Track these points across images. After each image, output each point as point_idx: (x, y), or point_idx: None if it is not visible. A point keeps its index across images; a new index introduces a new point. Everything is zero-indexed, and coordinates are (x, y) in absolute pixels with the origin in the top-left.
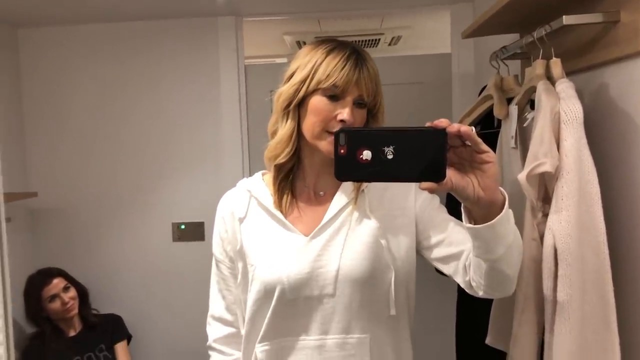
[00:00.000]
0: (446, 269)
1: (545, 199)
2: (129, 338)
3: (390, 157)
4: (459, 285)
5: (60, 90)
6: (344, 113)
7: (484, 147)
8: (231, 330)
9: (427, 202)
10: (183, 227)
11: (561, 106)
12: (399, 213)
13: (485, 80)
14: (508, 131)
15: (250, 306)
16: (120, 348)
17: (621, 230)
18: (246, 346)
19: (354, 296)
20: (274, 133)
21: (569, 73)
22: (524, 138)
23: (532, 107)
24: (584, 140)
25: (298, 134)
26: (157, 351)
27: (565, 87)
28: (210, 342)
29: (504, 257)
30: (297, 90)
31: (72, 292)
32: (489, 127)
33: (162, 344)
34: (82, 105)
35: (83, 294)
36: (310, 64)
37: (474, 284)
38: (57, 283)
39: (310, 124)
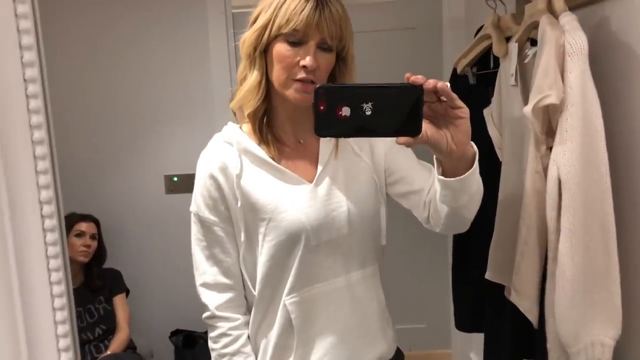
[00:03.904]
0: (405, 203)
1: (549, 132)
2: (127, 292)
3: (368, 113)
4: None
5: (49, 42)
6: (306, 59)
7: (459, 102)
8: (231, 294)
9: (393, 142)
10: (175, 179)
11: (566, 38)
12: (375, 151)
13: (476, 23)
14: (507, 69)
15: (267, 262)
16: (119, 300)
17: (622, 162)
18: (262, 304)
19: (364, 232)
20: (244, 80)
21: (569, 8)
22: (524, 75)
23: (532, 44)
24: (589, 73)
25: (267, 81)
26: (153, 304)
27: (569, 19)
28: (211, 310)
29: (467, 205)
30: (260, 36)
31: (95, 244)
32: (485, 68)
33: (158, 297)
34: (70, 57)
35: (101, 255)
36: (272, 8)
37: (432, 221)
38: (91, 226)
39: (275, 72)
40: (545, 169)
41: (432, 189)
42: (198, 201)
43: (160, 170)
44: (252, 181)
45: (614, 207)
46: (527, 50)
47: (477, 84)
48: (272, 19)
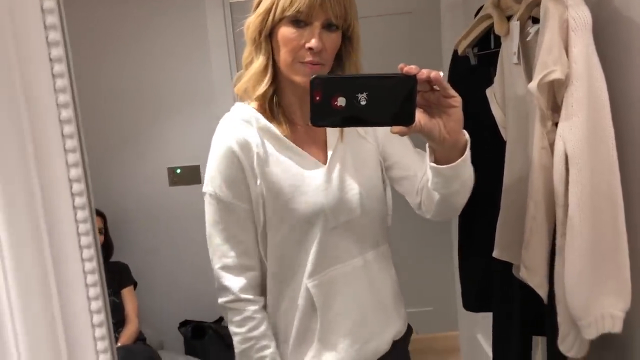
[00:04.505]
0: (398, 188)
1: (554, 108)
2: (135, 285)
3: (363, 103)
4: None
5: None
6: (312, 41)
7: (452, 92)
8: (251, 275)
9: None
10: (179, 171)
11: (569, 13)
12: (377, 133)
13: (474, 5)
14: (509, 48)
15: (285, 243)
16: (127, 293)
17: (628, 135)
18: (278, 287)
19: (374, 213)
20: (250, 64)
21: None
22: (526, 53)
23: (534, 22)
24: (593, 47)
25: (274, 65)
26: (161, 295)
27: None
28: (235, 293)
29: (458, 192)
30: (264, 20)
31: (102, 239)
32: (486, 48)
33: (166, 288)
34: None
35: (108, 249)
36: None
37: (424, 207)
38: (97, 221)
39: (282, 56)
40: (551, 145)
41: (425, 175)
42: (216, 181)
43: (163, 163)
44: (272, 161)
45: (620, 181)
46: (529, 28)
47: (478, 64)
48: (276, 2)
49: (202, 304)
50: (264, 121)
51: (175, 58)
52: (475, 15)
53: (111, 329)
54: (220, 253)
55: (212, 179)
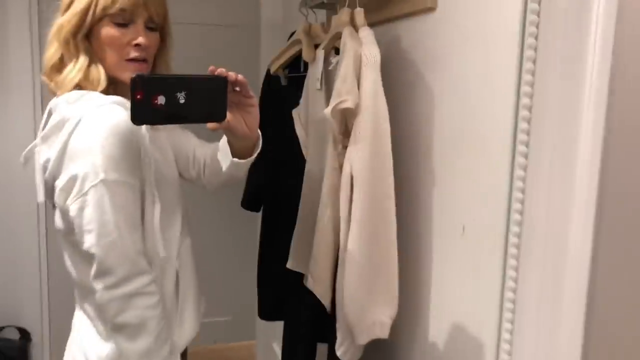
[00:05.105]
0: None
1: (345, 133)
2: None
3: (182, 101)
4: (262, 219)
5: None
6: (138, 38)
7: (251, 92)
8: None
9: None
10: None
11: (363, 50)
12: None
13: (292, 27)
14: (314, 74)
15: (158, 224)
16: None
17: (403, 161)
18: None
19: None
20: (63, 65)
21: (369, 24)
22: (328, 80)
23: (337, 53)
24: (380, 82)
25: (96, 64)
26: None
27: (367, 34)
28: (151, 274)
29: (245, 173)
30: (81, 20)
31: None
32: (296, 71)
33: None
34: None
35: None
36: None
37: (204, 181)
38: None
39: (107, 56)
40: (341, 166)
41: (201, 152)
42: (119, 164)
43: None
44: (154, 147)
45: (396, 201)
46: (331, 58)
47: (288, 85)
48: (95, 2)
49: None
50: None
51: None
52: (289, 38)
53: None
54: (133, 239)
55: (114, 164)
